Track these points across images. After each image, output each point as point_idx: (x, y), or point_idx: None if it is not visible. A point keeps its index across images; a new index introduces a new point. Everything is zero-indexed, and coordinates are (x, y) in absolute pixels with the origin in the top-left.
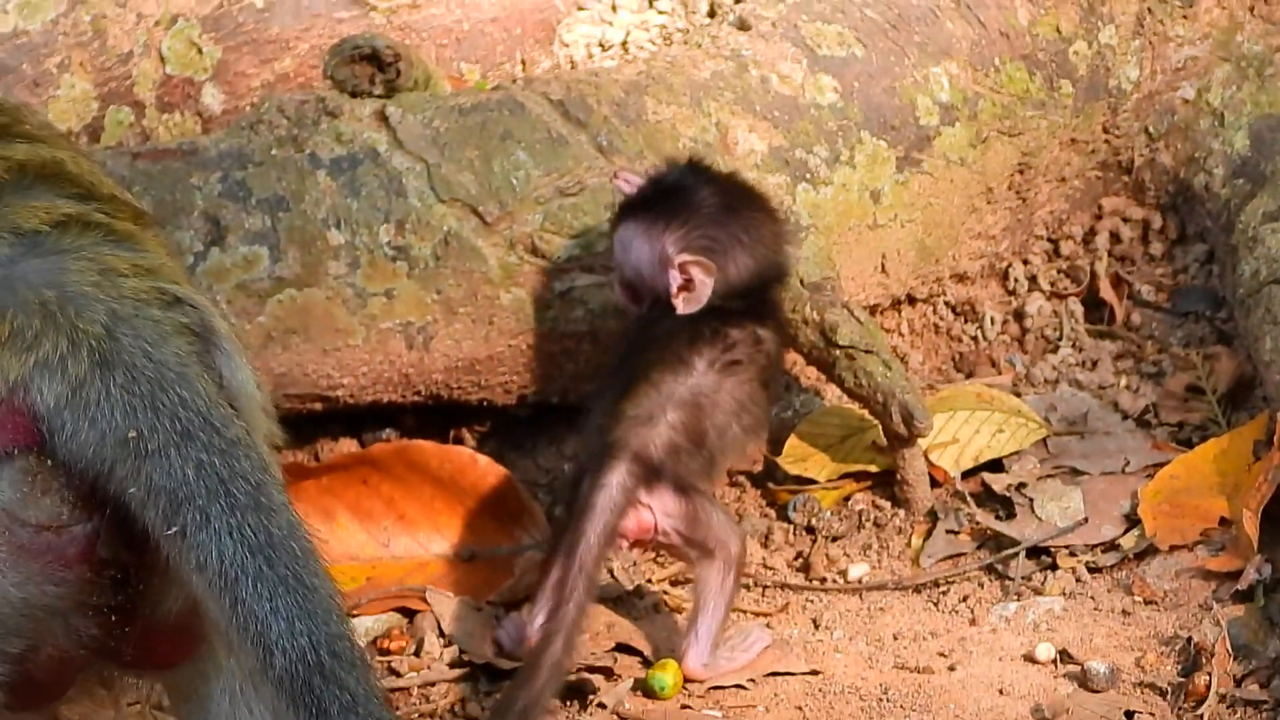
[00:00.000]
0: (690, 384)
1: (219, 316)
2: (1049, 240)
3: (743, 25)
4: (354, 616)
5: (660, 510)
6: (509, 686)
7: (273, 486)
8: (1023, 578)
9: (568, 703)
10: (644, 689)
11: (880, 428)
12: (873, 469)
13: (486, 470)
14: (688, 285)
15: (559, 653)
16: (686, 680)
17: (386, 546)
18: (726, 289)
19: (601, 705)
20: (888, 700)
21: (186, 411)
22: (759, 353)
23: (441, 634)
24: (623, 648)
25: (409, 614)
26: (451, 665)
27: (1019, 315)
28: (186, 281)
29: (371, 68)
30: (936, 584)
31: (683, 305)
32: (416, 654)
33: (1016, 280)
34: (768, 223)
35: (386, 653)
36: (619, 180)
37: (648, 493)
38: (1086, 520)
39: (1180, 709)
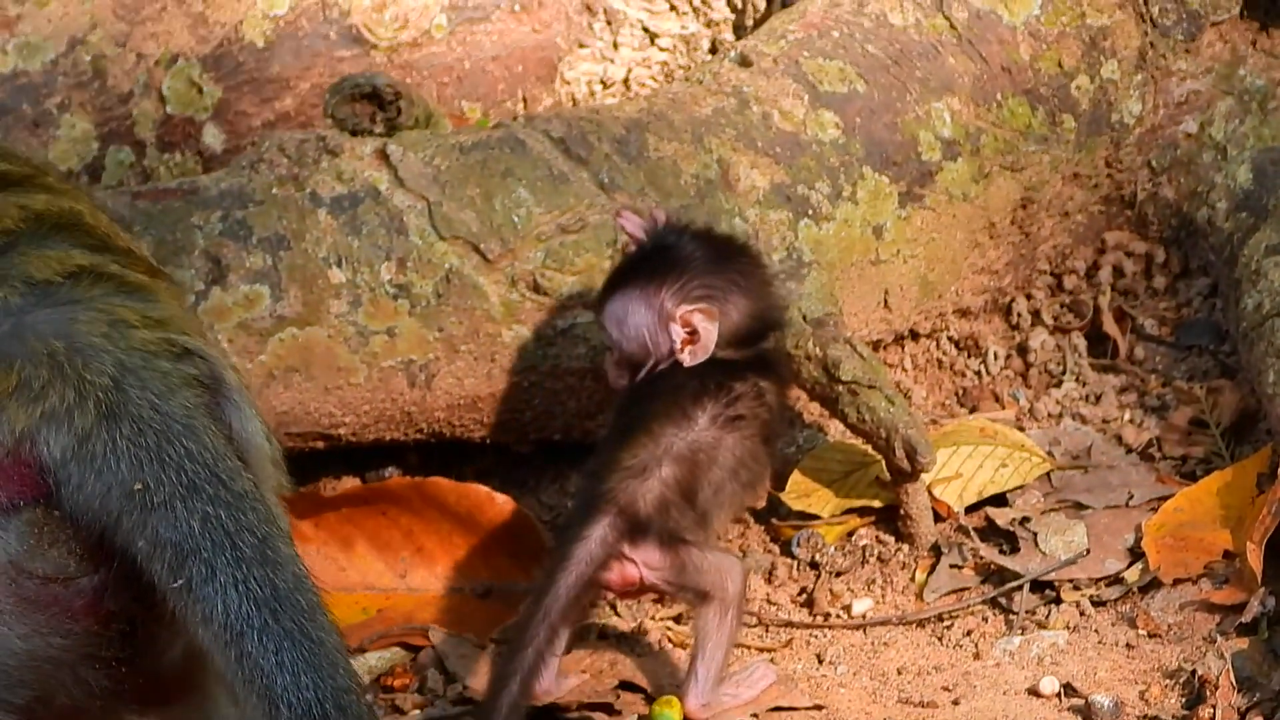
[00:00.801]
0: (690, 438)
1: (229, 368)
2: (1052, 275)
3: (744, 62)
4: (361, 652)
5: (644, 563)
6: None
7: (280, 539)
8: (1026, 612)
9: None
10: None
11: (883, 463)
12: (876, 504)
13: (503, 507)
14: (692, 337)
15: (515, 695)
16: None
17: (403, 578)
18: (729, 335)
19: None
20: None
21: (193, 464)
22: (761, 407)
23: (444, 671)
24: (626, 685)
25: (415, 650)
26: (454, 703)
27: (1022, 350)
28: (198, 333)
29: (372, 106)
30: (940, 618)
31: (689, 358)
32: (420, 691)
33: (1019, 315)
34: (757, 268)
35: (390, 690)
36: (622, 220)
37: (631, 547)
38: (1090, 554)
39: None
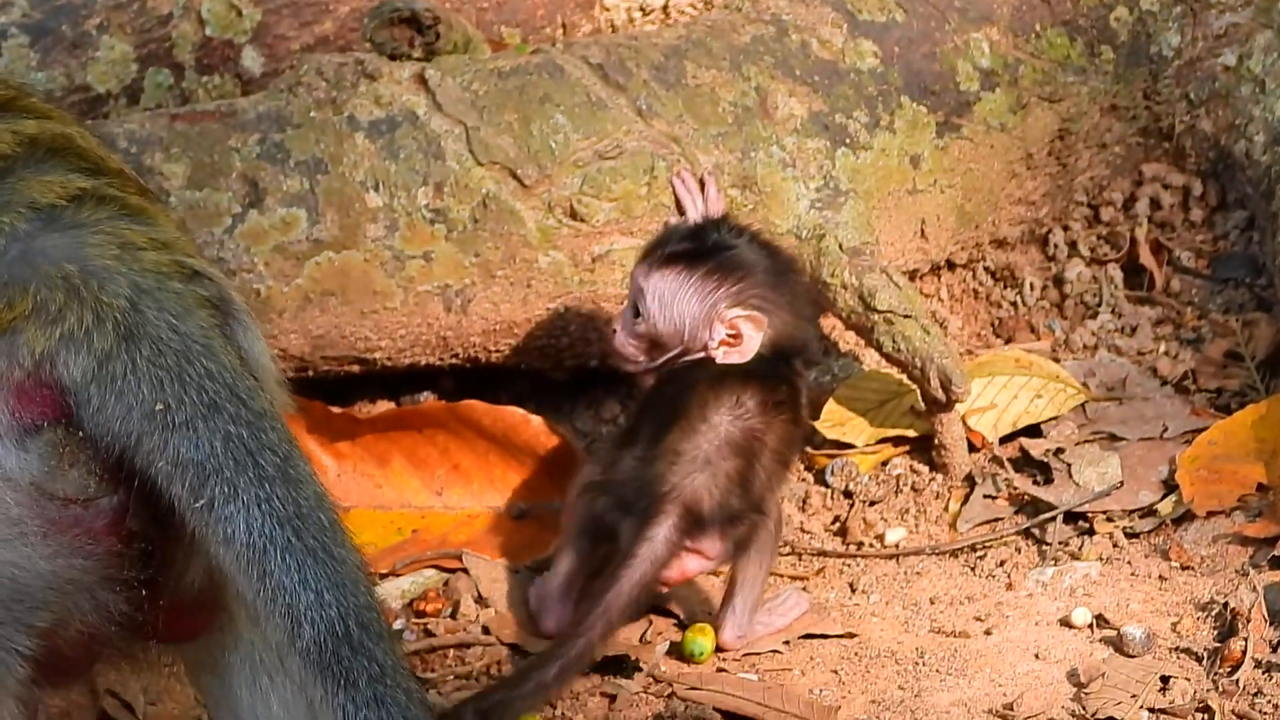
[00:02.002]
0: (742, 425)
1: (234, 289)
2: (1089, 206)
3: None
4: (396, 576)
5: (703, 553)
6: (495, 700)
7: (299, 458)
8: (1059, 543)
9: (603, 667)
10: (679, 652)
11: (918, 392)
12: (911, 434)
13: (539, 429)
14: (733, 340)
15: (549, 679)
16: (721, 647)
17: (439, 495)
18: (765, 346)
19: (638, 668)
20: (923, 664)
21: (213, 383)
22: (796, 390)
23: (479, 597)
24: (658, 610)
25: (449, 572)
26: (485, 629)
27: (1058, 281)
28: (199, 255)
29: (411, 30)
30: (973, 548)
31: (722, 357)
32: (453, 616)
33: (1056, 246)
34: (807, 290)
35: (423, 615)
36: (677, 182)
37: (692, 541)
38: (1124, 485)
39: (1216, 674)
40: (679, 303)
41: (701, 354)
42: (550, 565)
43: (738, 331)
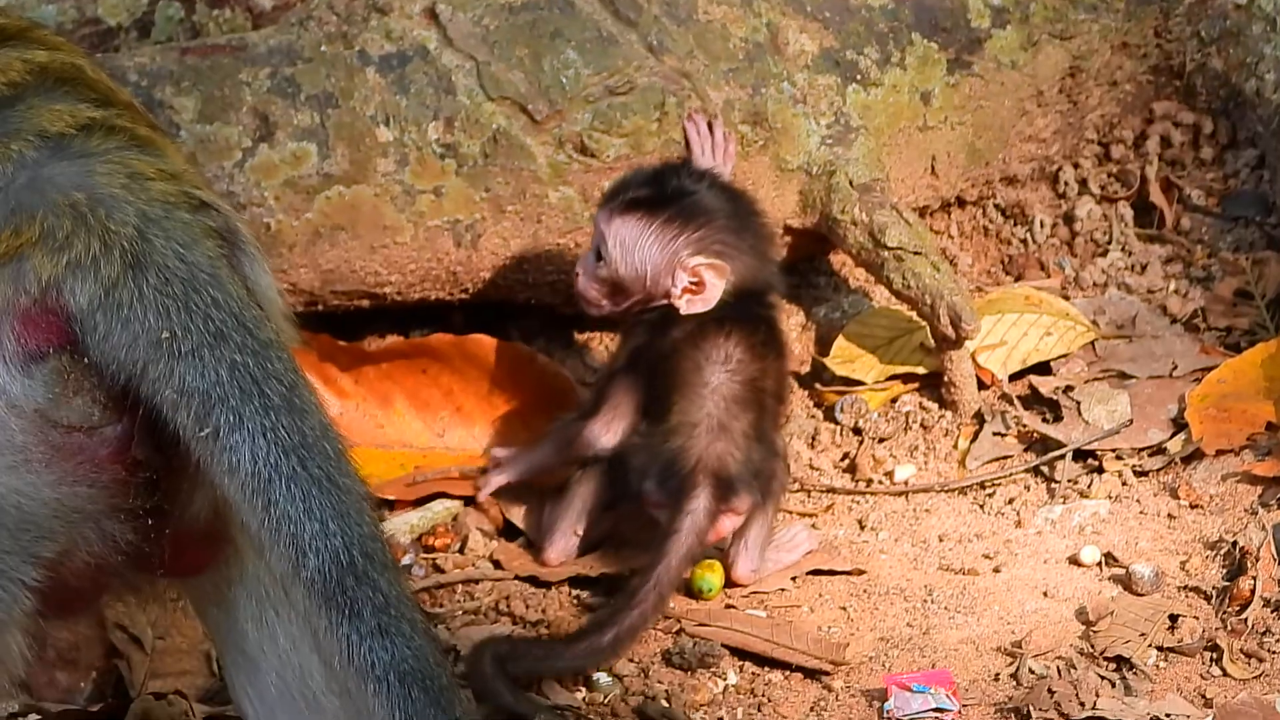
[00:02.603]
0: (741, 377)
1: (241, 221)
2: (1099, 144)
3: None
4: (408, 508)
5: (735, 511)
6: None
7: (305, 388)
8: (1068, 481)
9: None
10: (688, 589)
11: (928, 329)
12: (920, 371)
13: (544, 367)
14: (696, 288)
15: (603, 646)
16: (733, 584)
17: (441, 437)
18: (730, 292)
19: None
20: (932, 601)
21: (220, 312)
22: (774, 326)
23: (485, 532)
24: None
25: (458, 499)
26: (496, 563)
27: (1069, 219)
28: (208, 187)
29: None
30: (982, 486)
31: (686, 307)
32: (461, 551)
33: (1066, 184)
34: (769, 232)
35: (431, 549)
36: (688, 124)
37: (726, 504)
38: (1133, 424)
39: (1224, 613)
40: (641, 249)
41: (665, 301)
42: (559, 494)
43: (700, 279)
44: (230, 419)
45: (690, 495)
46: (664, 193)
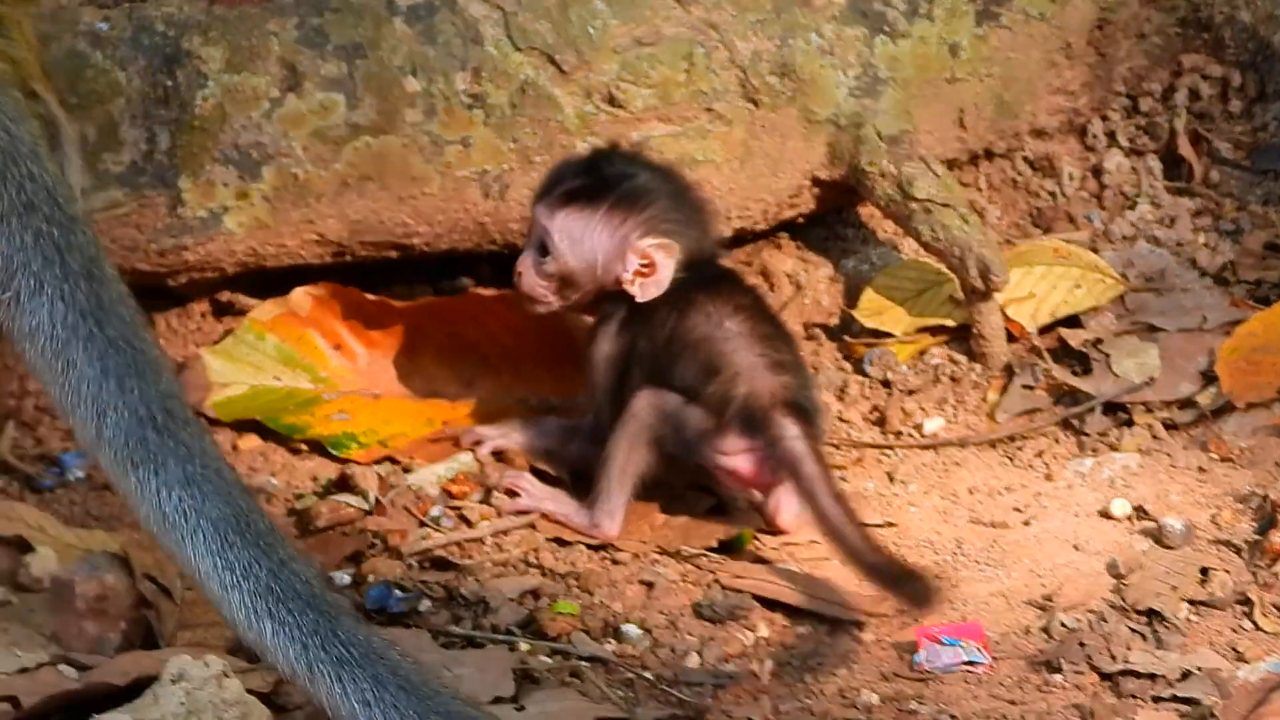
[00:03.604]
0: (747, 316)
1: (67, 123)
2: (1128, 96)
3: None
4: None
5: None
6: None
7: (106, 263)
8: (1098, 434)
9: (638, 557)
10: (724, 545)
11: (957, 282)
12: (949, 323)
13: (572, 323)
14: (647, 270)
15: (859, 544)
16: (777, 533)
17: (469, 387)
18: (685, 266)
19: (677, 554)
20: (962, 554)
21: (33, 185)
22: (732, 271)
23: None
24: (698, 487)
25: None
26: (559, 541)
27: (1097, 171)
28: (44, 80)
29: None
30: (1012, 439)
31: (639, 291)
32: (485, 502)
33: (1095, 136)
34: (705, 202)
35: (458, 501)
36: None
37: (813, 431)
38: (1163, 376)
39: (1255, 566)
40: (589, 239)
41: (615, 289)
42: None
43: (651, 261)
44: (31, 284)
45: (782, 425)
46: (602, 179)
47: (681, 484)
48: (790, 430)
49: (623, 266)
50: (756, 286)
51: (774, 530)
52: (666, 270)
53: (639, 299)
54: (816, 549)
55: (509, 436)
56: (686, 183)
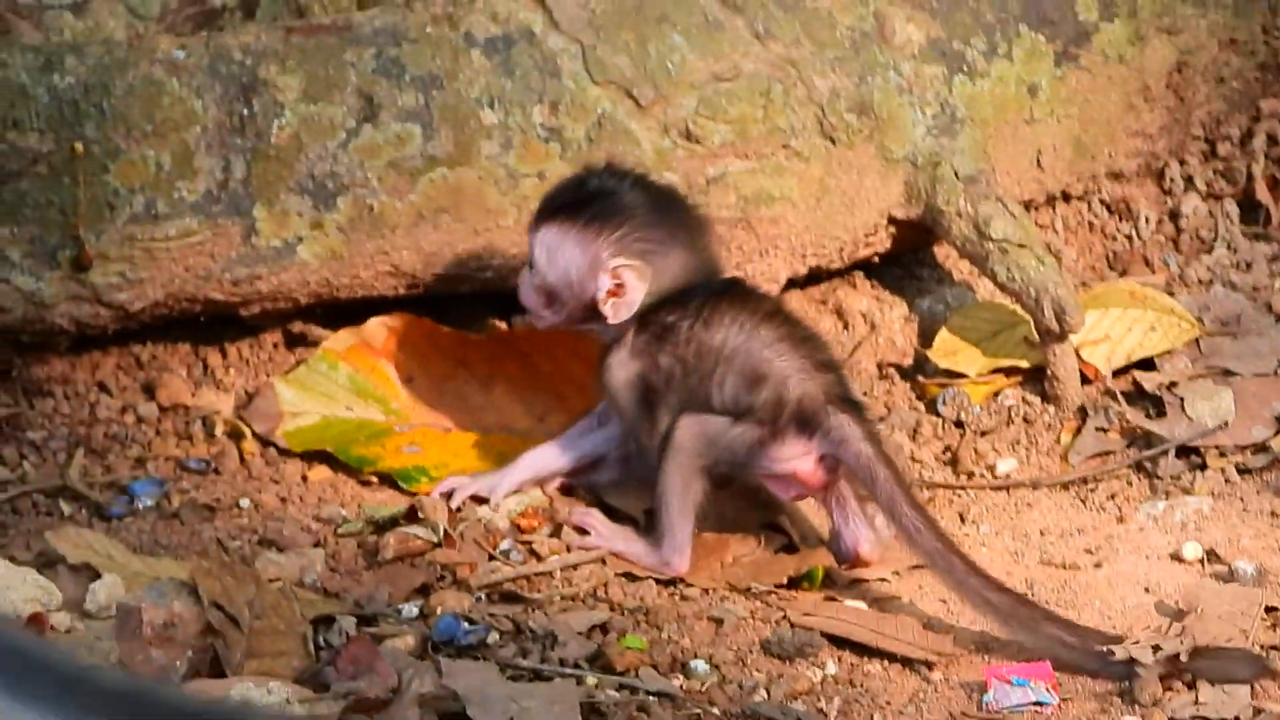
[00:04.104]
0: (777, 320)
1: None
2: (1206, 140)
3: None
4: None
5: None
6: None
7: None
8: (1171, 477)
9: (707, 593)
10: (793, 581)
11: (1032, 323)
12: (1023, 364)
13: None
14: (618, 290)
15: (939, 548)
16: (857, 567)
17: (541, 421)
18: (662, 292)
19: (747, 590)
20: (1033, 595)
21: None
22: (739, 279)
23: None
24: (770, 526)
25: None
26: (629, 576)
27: (1174, 215)
28: None
29: None
30: (1085, 481)
31: (610, 312)
32: (554, 536)
33: (1172, 180)
34: (698, 222)
35: (524, 532)
36: None
37: (869, 427)
38: (1236, 421)
39: None
40: (563, 254)
41: (594, 307)
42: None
43: (622, 281)
44: None
45: (840, 421)
46: (584, 195)
47: (755, 522)
48: (851, 429)
49: (595, 285)
50: (762, 293)
51: (856, 564)
52: (636, 293)
53: (610, 320)
54: (887, 588)
55: (500, 488)
56: (677, 203)
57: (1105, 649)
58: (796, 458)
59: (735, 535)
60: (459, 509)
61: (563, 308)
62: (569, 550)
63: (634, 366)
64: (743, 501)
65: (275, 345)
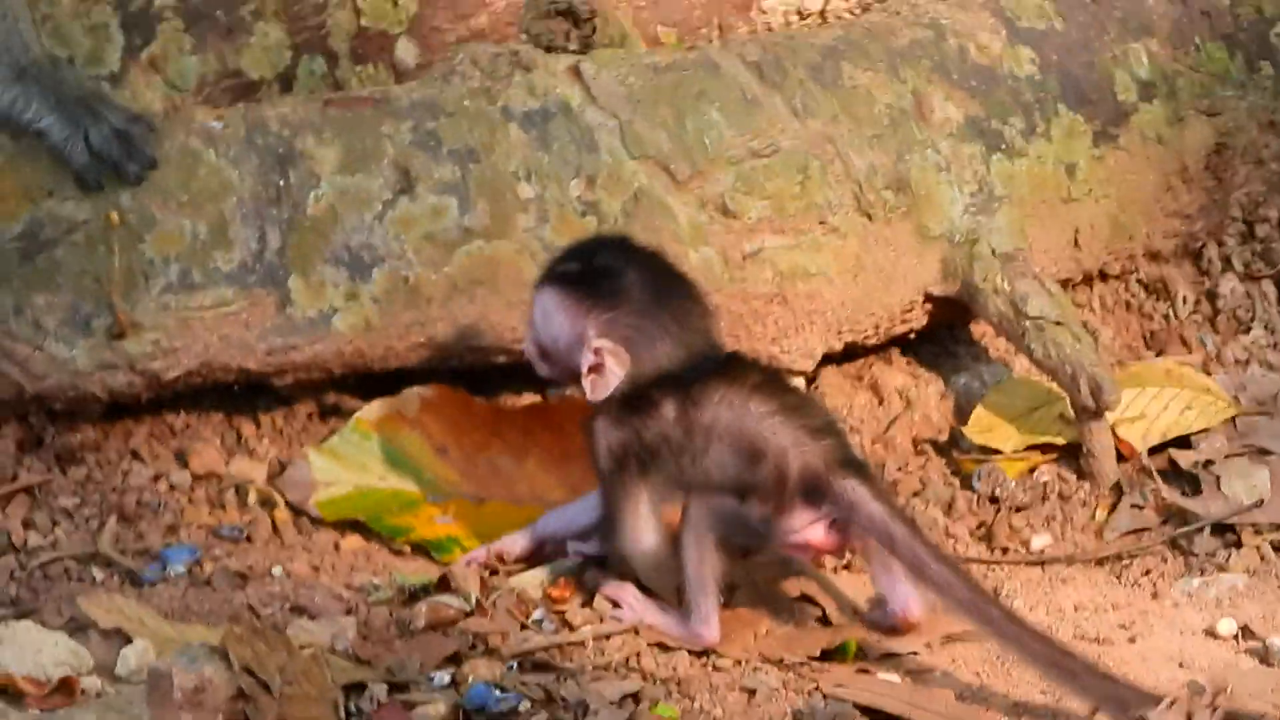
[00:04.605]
0: (772, 394)
1: None
2: (1244, 221)
3: None
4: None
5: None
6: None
7: None
8: (1206, 554)
9: (740, 663)
10: (825, 653)
11: (1068, 400)
12: (1059, 441)
13: None
14: (597, 369)
15: (974, 598)
16: (910, 628)
17: (575, 493)
18: (639, 380)
19: (780, 662)
20: None
21: None
22: (735, 354)
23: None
24: (804, 598)
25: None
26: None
27: (1211, 295)
28: None
29: (567, 23)
30: (1119, 557)
31: (591, 390)
32: (587, 606)
33: (1210, 260)
34: (699, 311)
35: (557, 603)
36: None
37: (879, 490)
38: (1272, 499)
39: None
40: (555, 321)
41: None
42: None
43: (602, 362)
44: None
45: (846, 487)
46: (586, 269)
47: (788, 593)
48: (859, 491)
49: (580, 359)
50: (757, 362)
51: (906, 626)
52: (612, 378)
53: (590, 397)
54: (920, 660)
55: (517, 543)
56: (680, 292)
57: (1139, 715)
58: (807, 527)
59: (768, 607)
60: (493, 574)
61: (557, 366)
62: (601, 620)
63: (615, 435)
64: (775, 572)
65: (309, 415)
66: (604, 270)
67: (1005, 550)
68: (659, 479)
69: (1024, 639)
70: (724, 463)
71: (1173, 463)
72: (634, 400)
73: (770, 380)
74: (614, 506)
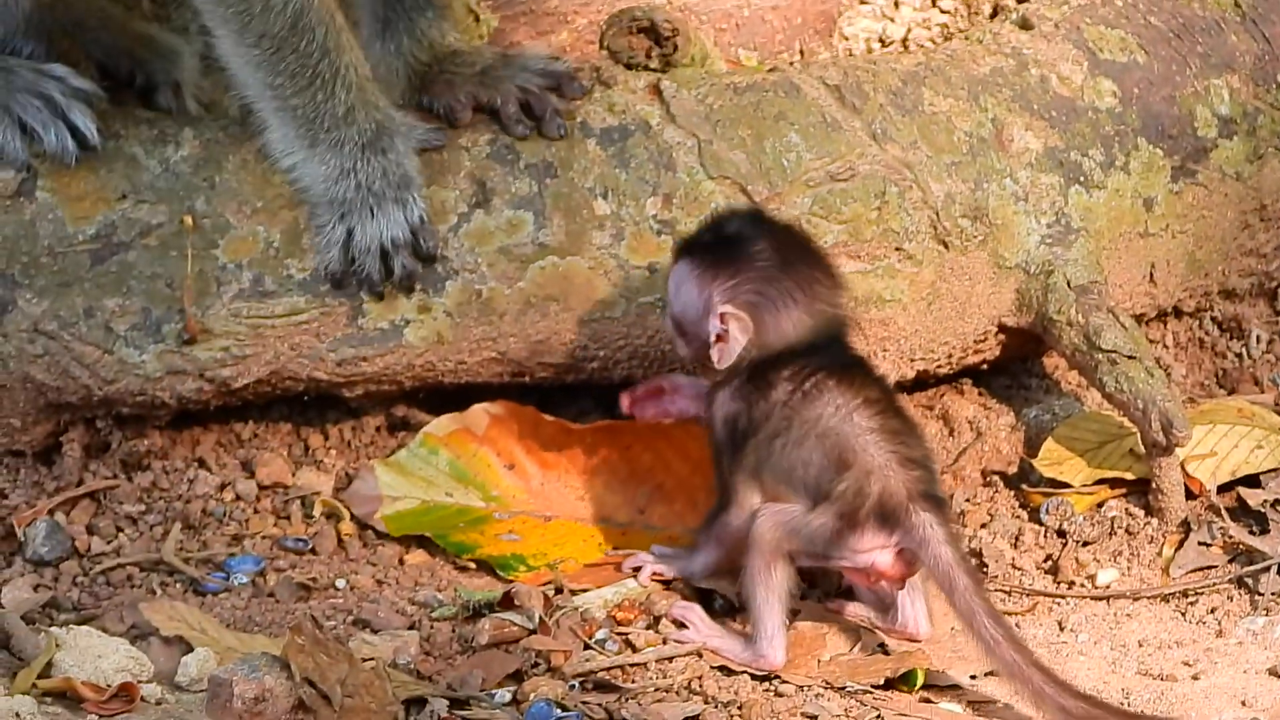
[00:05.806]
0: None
1: None
2: None
3: (1025, 25)
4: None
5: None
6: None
7: None
8: (1272, 593)
9: (802, 689)
10: (889, 681)
11: (1139, 435)
12: (1128, 476)
13: None
14: (723, 337)
15: (1017, 659)
16: (908, 640)
17: (642, 514)
18: (765, 350)
19: (843, 689)
20: (1129, 705)
21: None
22: (859, 356)
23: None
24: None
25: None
26: (723, 669)
27: None
28: None
29: (649, 41)
30: (1185, 594)
31: (716, 356)
32: (651, 628)
33: None
34: (824, 279)
35: (621, 624)
36: None
37: (948, 524)
38: None
39: None
40: (686, 291)
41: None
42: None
43: (727, 328)
44: None
45: (920, 520)
46: (716, 238)
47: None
48: (933, 530)
49: (707, 326)
50: (874, 371)
51: (902, 636)
52: (736, 345)
53: (716, 364)
54: (981, 691)
55: (671, 564)
56: (809, 261)
57: None
58: (875, 550)
59: (833, 628)
60: (558, 592)
61: (691, 341)
62: (665, 642)
63: (732, 407)
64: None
65: (377, 428)
66: (733, 238)
67: (1071, 584)
68: (750, 460)
69: (1061, 698)
70: (810, 461)
71: (1241, 501)
72: (755, 375)
73: (883, 398)
74: (727, 478)
